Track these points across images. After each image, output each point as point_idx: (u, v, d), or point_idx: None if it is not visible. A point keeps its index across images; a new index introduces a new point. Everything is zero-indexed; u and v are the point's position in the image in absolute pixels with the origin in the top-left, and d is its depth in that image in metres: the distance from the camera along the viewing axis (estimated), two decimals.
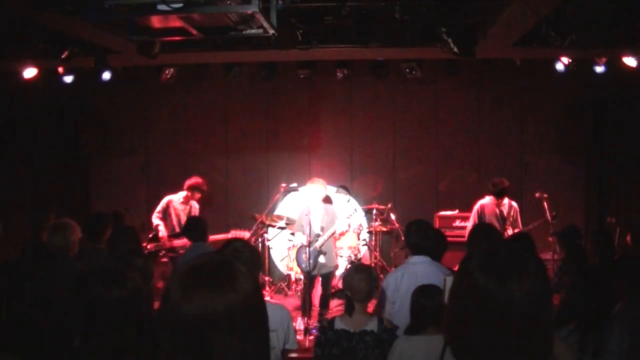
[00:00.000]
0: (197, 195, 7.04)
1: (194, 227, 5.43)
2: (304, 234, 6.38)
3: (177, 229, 6.87)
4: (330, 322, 3.41)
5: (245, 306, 1.28)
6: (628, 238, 5.29)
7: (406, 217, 6.99)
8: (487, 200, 6.93)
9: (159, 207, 6.99)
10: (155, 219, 6.94)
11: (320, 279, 6.49)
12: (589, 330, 2.79)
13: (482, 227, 4.78)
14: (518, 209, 6.99)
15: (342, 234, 7.08)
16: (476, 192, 8.46)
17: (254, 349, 1.30)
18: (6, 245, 7.16)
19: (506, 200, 6.88)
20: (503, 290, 1.32)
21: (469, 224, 6.94)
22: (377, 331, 3.30)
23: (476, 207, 6.97)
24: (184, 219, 6.91)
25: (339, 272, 7.06)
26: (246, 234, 6.98)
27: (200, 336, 1.24)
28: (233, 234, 6.91)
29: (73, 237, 4.31)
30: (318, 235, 6.32)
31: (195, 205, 7.10)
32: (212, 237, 6.20)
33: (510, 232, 6.81)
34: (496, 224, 6.69)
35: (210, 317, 1.24)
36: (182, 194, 7.02)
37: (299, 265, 6.71)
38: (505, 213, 6.86)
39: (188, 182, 7.01)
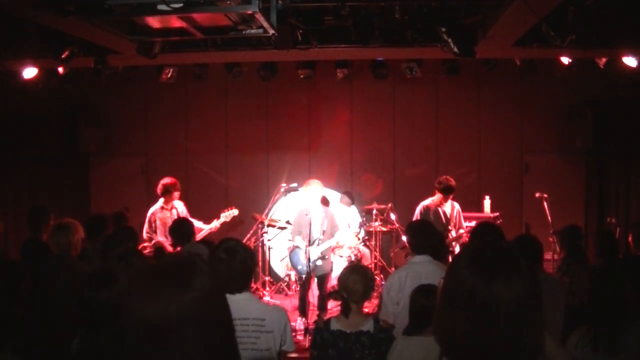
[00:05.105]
0: (175, 195, 6.82)
1: (179, 229, 5.32)
2: (302, 235, 6.39)
3: (166, 237, 6.61)
4: (326, 323, 3.41)
5: (203, 307, 1.25)
6: (630, 238, 5.26)
7: (406, 217, 7.00)
8: (430, 201, 6.85)
9: (146, 225, 6.76)
10: (147, 235, 6.73)
11: (315, 279, 6.50)
12: (603, 331, 2.79)
13: (483, 226, 4.75)
14: (460, 210, 6.93)
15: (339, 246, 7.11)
16: (476, 192, 8.50)
17: (217, 351, 1.27)
18: (6, 245, 7.17)
19: (449, 201, 6.83)
20: (489, 289, 1.31)
21: None
22: (373, 331, 3.30)
23: (419, 208, 6.85)
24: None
25: (337, 273, 7.06)
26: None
27: (159, 339, 1.21)
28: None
29: (76, 237, 4.32)
30: (319, 239, 6.32)
31: (179, 206, 6.88)
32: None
33: (454, 233, 6.78)
34: (439, 225, 6.63)
35: (167, 319, 1.20)
36: (160, 201, 6.81)
37: (293, 266, 6.72)
38: (448, 214, 6.81)
39: (159, 188, 6.77)
